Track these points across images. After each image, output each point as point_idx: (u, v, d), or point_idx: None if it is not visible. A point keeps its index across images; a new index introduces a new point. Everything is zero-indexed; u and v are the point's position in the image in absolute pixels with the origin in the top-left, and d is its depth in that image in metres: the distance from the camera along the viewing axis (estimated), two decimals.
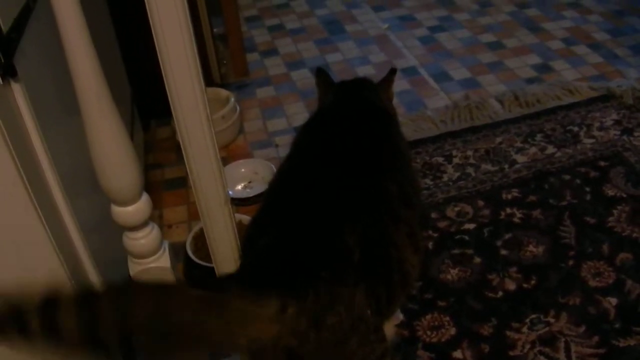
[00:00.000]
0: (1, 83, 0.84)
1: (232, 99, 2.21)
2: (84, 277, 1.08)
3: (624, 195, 1.80)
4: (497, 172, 1.94)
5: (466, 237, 1.72)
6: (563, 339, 1.43)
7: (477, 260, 1.64)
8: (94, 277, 1.11)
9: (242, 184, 2.00)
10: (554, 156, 1.99)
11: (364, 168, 1.17)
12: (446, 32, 2.84)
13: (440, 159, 2.02)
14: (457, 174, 1.95)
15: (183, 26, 0.81)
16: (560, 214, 1.76)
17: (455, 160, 2.01)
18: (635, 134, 2.05)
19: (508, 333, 1.45)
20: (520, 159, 1.99)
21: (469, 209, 1.81)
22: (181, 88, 0.87)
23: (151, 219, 1.05)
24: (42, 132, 0.94)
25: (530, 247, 1.66)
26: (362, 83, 1.50)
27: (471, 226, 1.75)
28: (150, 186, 2.01)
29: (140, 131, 2.17)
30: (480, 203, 1.83)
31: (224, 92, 2.26)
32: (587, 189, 1.84)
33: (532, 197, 1.83)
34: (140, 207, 0.99)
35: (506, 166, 1.97)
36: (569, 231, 1.70)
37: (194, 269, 1.64)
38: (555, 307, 1.50)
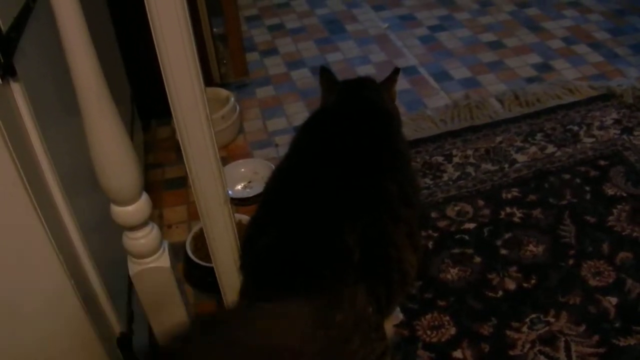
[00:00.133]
0: (0, 83, 0.84)
1: (232, 99, 2.21)
2: (83, 277, 1.08)
3: (624, 195, 1.80)
4: (497, 172, 1.94)
5: (466, 237, 1.72)
6: (563, 339, 1.43)
7: (477, 259, 1.64)
8: (93, 277, 1.11)
9: (242, 184, 2.00)
10: (554, 155, 1.99)
11: (363, 168, 1.17)
12: (446, 31, 2.84)
13: (440, 159, 2.02)
14: (457, 174, 1.95)
15: (183, 26, 0.81)
16: (560, 213, 1.76)
17: (455, 160, 2.01)
18: (635, 133, 2.05)
19: (508, 332, 1.45)
20: (521, 158, 1.99)
21: (469, 208, 1.81)
22: (181, 88, 0.87)
23: (151, 218, 1.05)
24: (42, 132, 0.94)
25: (530, 247, 1.66)
26: (364, 83, 1.49)
27: (471, 225, 1.75)
28: (150, 186, 2.01)
29: (140, 131, 2.17)
30: (480, 202, 1.83)
31: (223, 92, 2.26)
32: (587, 188, 1.84)
33: (532, 197, 1.83)
34: (140, 207, 0.99)
35: (506, 165, 1.97)
36: (569, 230, 1.70)
37: (193, 269, 1.64)
38: (555, 306, 1.50)
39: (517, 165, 1.96)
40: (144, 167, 2.04)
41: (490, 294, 1.55)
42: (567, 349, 1.40)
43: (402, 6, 3.10)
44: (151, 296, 1.12)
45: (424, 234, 1.72)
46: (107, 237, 1.18)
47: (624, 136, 2.04)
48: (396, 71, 1.50)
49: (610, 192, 1.82)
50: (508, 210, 1.79)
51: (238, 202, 1.89)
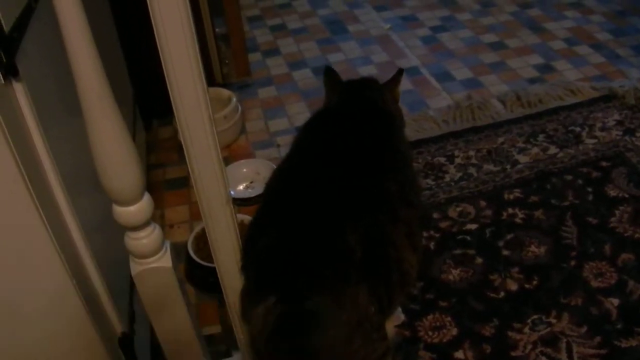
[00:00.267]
0: (3, 83, 0.84)
1: (234, 99, 2.21)
2: (85, 277, 1.08)
3: (626, 196, 1.80)
4: (499, 173, 1.94)
5: (468, 238, 1.71)
6: (565, 340, 1.43)
7: (479, 260, 1.64)
8: (95, 277, 1.11)
9: (244, 184, 2.00)
10: (556, 156, 1.99)
11: (363, 168, 1.17)
12: (448, 32, 2.83)
13: (442, 159, 2.02)
14: (459, 174, 1.95)
15: (185, 26, 0.81)
16: (562, 214, 1.76)
17: (457, 161, 2.01)
18: (638, 134, 2.04)
19: (510, 333, 1.45)
20: (522, 159, 1.99)
21: (471, 209, 1.81)
22: (183, 88, 0.87)
23: (153, 219, 1.04)
24: (44, 131, 0.94)
25: (532, 248, 1.66)
26: (366, 83, 1.49)
27: (473, 226, 1.75)
28: (152, 186, 2.01)
29: (142, 131, 2.17)
30: (482, 203, 1.82)
31: (225, 92, 2.26)
32: (589, 189, 1.84)
33: (534, 198, 1.83)
34: (142, 207, 0.99)
35: (508, 166, 1.96)
36: (571, 231, 1.70)
37: (195, 269, 1.64)
38: (557, 307, 1.50)
39: (519, 166, 1.96)
40: (146, 167, 2.04)
41: (492, 295, 1.55)
42: (569, 350, 1.40)
43: (404, 7, 3.10)
44: (153, 296, 1.12)
45: (425, 234, 1.72)
46: (109, 237, 1.18)
47: (626, 137, 2.03)
48: (400, 72, 1.50)
49: (612, 193, 1.81)
50: (510, 211, 1.79)
51: (240, 202, 1.89)
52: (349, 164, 1.17)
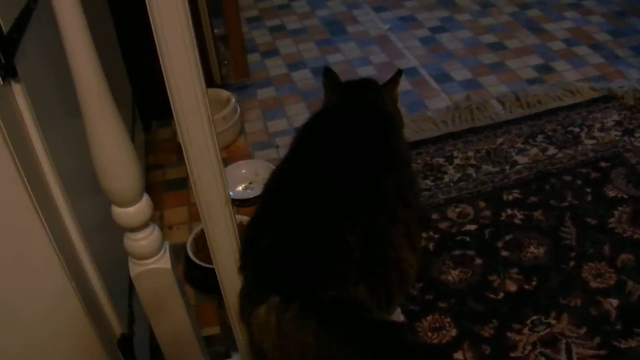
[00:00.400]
0: (2, 83, 0.84)
1: (233, 100, 2.21)
2: (84, 278, 1.08)
3: (625, 196, 1.80)
4: (498, 173, 1.94)
5: (467, 238, 1.71)
6: (564, 341, 1.42)
7: (478, 261, 1.64)
8: (94, 278, 1.11)
9: (243, 185, 2.00)
10: (555, 157, 1.99)
11: (361, 168, 1.17)
12: (447, 32, 2.83)
13: (441, 160, 2.02)
14: (458, 175, 1.95)
15: (184, 27, 0.81)
16: (561, 215, 1.76)
17: (456, 161, 2.01)
18: (636, 134, 2.05)
19: (509, 334, 1.45)
20: (521, 159, 1.99)
21: (470, 210, 1.81)
22: (182, 89, 0.87)
23: (152, 220, 1.04)
24: (43, 132, 0.93)
25: (531, 248, 1.66)
26: (366, 84, 1.49)
27: (472, 227, 1.75)
28: (151, 187, 2.01)
29: (141, 132, 2.17)
30: (481, 204, 1.82)
31: (224, 93, 2.26)
32: (588, 190, 1.84)
33: (533, 198, 1.83)
34: (141, 208, 0.99)
35: (507, 167, 1.96)
36: (570, 232, 1.70)
37: (194, 270, 1.64)
38: (556, 308, 1.50)
39: (518, 166, 1.96)
40: (145, 168, 2.03)
41: (491, 296, 1.55)
42: (568, 351, 1.40)
43: (403, 7, 3.10)
44: (152, 297, 1.12)
45: (424, 235, 1.72)
46: (108, 238, 1.18)
47: (625, 138, 2.04)
48: (399, 73, 1.50)
49: (611, 193, 1.81)
50: (509, 211, 1.79)
51: (239, 203, 1.89)
52: (347, 164, 1.17)
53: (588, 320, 1.46)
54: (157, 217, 1.92)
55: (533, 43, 2.69)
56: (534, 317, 1.49)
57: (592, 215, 1.75)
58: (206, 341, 1.45)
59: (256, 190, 1.94)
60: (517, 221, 1.75)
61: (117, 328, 1.21)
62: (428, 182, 1.93)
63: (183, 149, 0.95)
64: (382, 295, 1.09)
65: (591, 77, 2.42)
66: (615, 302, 1.50)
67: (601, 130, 2.09)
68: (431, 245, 1.70)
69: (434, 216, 1.80)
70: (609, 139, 2.04)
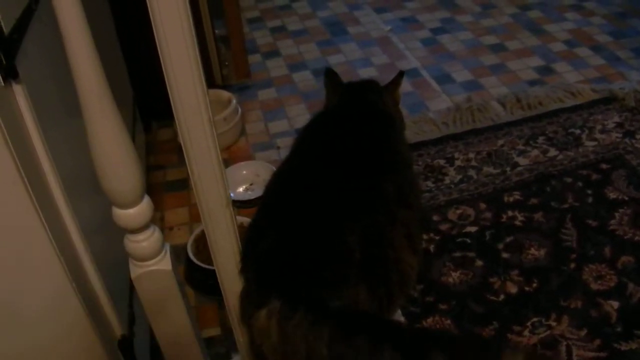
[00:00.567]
0: (2, 84, 0.84)
1: (234, 101, 2.21)
2: (85, 279, 1.08)
3: (626, 198, 1.80)
4: (498, 175, 1.94)
5: (468, 240, 1.71)
6: (564, 343, 1.42)
7: (479, 263, 1.64)
8: (95, 279, 1.11)
9: (244, 186, 2.00)
10: (556, 159, 1.99)
11: (362, 170, 1.17)
12: (448, 34, 2.83)
13: (442, 161, 2.02)
14: (458, 177, 1.95)
15: (185, 28, 0.81)
16: (562, 216, 1.75)
17: (457, 163, 2.01)
18: (637, 136, 2.04)
19: (509, 336, 1.45)
20: (522, 161, 1.99)
21: (470, 211, 1.81)
22: (183, 90, 0.87)
23: (152, 221, 1.04)
24: (44, 133, 0.93)
25: (532, 250, 1.66)
26: (367, 85, 1.49)
27: (473, 229, 1.75)
28: (151, 188, 2.01)
29: (142, 133, 2.17)
30: (482, 206, 1.82)
31: (225, 94, 2.26)
32: (589, 191, 1.84)
33: (534, 200, 1.82)
34: (141, 210, 0.98)
35: (508, 169, 1.96)
36: (571, 234, 1.70)
37: (195, 271, 1.64)
38: (556, 310, 1.50)
39: (519, 168, 1.96)
40: (146, 169, 2.03)
41: (491, 298, 1.55)
42: (569, 353, 1.40)
43: (404, 8, 3.10)
44: (152, 299, 1.12)
45: (425, 237, 1.71)
46: (108, 240, 1.18)
47: (626, 140, 2.03)
48: (400, 74, 1.50)
49: (612, 195, 1.81)
50: (510, 213, 1.79)
51: (240, 205, 1.89)
52: (348, 165, 1.17)
53: (588, 322, 1.46)
54: (157, 218, 1.92)
55: (534, 44, 2.69)
56: (535, 319, 1.48)
57: (593, 217, 1.74)
58: (206, 342, 1.45)
59: (257, 192, 1.94)
60: (517, 223, 1.75)
61: (118, 329, 1.21)
62: (429, 183, 1.93)
63: (184, 149, 0.94)
64: (383, 297, 1.08)
65: (592, 79, 2.42)
66: (615, 304, 1.50)
67: (602, 132, 2.09)
68: (432, 247, 1.70)
69: (435, 218, 1.79)
70: (609, 141, 2.04)
